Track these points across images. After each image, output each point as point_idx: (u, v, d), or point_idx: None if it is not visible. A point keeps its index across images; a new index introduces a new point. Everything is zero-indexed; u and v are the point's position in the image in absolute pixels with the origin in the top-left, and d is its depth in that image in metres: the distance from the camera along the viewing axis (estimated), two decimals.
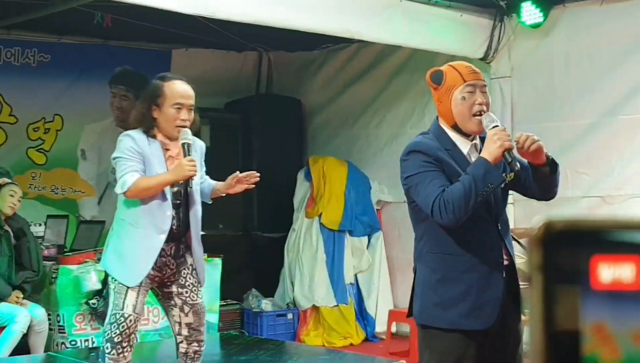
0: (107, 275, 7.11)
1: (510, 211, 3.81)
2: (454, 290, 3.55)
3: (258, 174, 4.69)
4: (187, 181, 4.38)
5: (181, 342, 4.59)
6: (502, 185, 3.56)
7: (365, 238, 9.36)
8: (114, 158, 4.38)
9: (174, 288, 4.54)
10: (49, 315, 6.95)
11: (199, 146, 4.64)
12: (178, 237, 4.49)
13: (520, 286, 3.76)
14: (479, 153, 3.61)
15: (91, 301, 7.04)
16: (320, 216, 9.30)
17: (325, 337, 8.93)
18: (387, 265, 9.37)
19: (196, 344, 4.64)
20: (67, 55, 9.16)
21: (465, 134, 3.67)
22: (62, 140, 9.25)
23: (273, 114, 10.04)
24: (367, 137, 9.69)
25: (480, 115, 3.58)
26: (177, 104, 4.34)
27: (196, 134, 4.59)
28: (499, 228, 3.68)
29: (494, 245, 3.63)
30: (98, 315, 7.04)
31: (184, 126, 4.36)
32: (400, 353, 7.07)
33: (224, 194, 4.84)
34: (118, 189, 4.30)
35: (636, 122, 7.30)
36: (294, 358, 6.11)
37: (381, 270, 9.32)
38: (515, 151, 3.51)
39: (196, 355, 4.64)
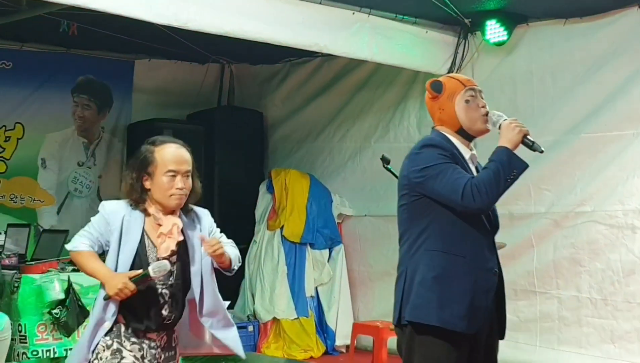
0: (70, 285, 7.13)
1: None
2: (451, 290, 3.57)
3: (213, 246, 3.86)
4: (180, 257, 3.87)
5: None
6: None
7: (327, 251, 9.38)
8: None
9: None
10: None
11: (205, 217, 4.05)
12: (169, 326, 3.94)
13: (505, 306, 3.84)
14: (472, 163, 3.76)
15: (54, 311, 6.93)
16: (281, 228, 9.31)
17: (286, 349, 8.93)
18: (347, 278, 9.39)
19: None
20: (29, 62, 9.07)
21: (466, 141, 3.79)
22: (22, 148, 9.16)
23: (235, 126, 10.04)
24: (330, 150, 9.73)
25: (487, 115, 3.76)
26: (171, 171, 3.80)
27: (198, 202, 4.04)
28: (494, 241, 3.76)
29: (491, 254, 3.71)
30: (61, 325, 6.95)
31: (181, 195, 3.83)
32: None
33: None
34: (68, 245, 3.91)
35: (598, 140, 7.42)
36: None
37: (342, 283, 9.34)
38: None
39: None
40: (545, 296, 7.75)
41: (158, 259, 3.77)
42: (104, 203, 3.93)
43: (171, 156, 3.83)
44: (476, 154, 3.82)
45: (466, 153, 3.75)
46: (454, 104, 3.73)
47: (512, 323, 7.80)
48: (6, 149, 9.06)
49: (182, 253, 3.87)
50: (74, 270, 7.31)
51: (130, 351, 3.76)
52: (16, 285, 7.00)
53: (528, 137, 3.67)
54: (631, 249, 7.21)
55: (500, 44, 8.03)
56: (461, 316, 3.55)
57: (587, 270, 7.48)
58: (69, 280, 7.08)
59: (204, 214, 4.05)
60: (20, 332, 6.90)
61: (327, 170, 9.70)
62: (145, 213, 3.85)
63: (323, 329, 9.22)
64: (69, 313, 6.98)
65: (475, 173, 3.72)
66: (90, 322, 3.90)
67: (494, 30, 7.99)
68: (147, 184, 3.83)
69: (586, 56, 7.56)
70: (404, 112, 8.82)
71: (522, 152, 3.74)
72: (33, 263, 7.30)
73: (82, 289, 7.18)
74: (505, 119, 3.71)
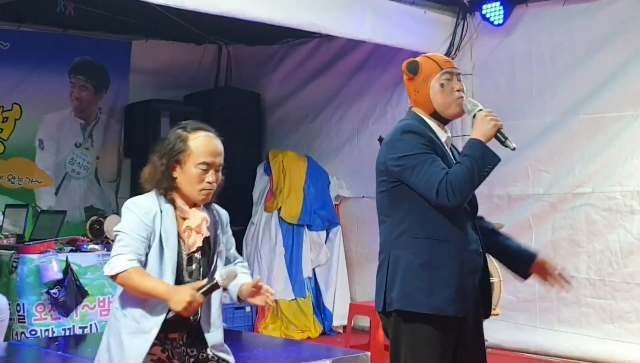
0: (68, 265, 7.15)
1: None
2: (439, 275, 3.54)
3: (273, 293, 3.62)
4: (204, 254, 3.58)
5: None
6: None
7: (324, 233, 9.39)
8: (114, 231, 3.53)
9: None
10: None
11: (225, 218, 3.74)
12: (189, 324, 3.61)
13: (490, 286, 3.85)
14: (450, 146, 3.74)
15: (52, 291, 6.97)
16: (279, 210, 9.31)
17: (283, 330, 8.95)
18: (345, 260, 9.41)
19: None
20: (27, 43, 9.04)
21: (442, 123, 3.75)
22: (20, 129, 9.14)
23: (232, 107, 10.03)
24: (328, 132, 9.72)
25: (462, 99, 3.69)
26: (204, 163, 3.47)
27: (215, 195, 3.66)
28: (475, 222, 3.75)
29: (474, 235, 3.69)
30: (59, 305, 6.99)
31: (210, 190, 3.52)
32: (360, 346, 7.08)
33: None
34: (107, 271, 3.42)
35: (597, 121, 7.43)
36: (258, 348, 6.10)
37: (339, 264, 9.35)
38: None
39: None
40: None
41: (188, 256, 3.53)
42: (135, 202, 3.52)
43: (206, 146, 3.49)
44: (451, 137, 3.80)
45: (442, 136, 3.72)
46: (429, 87, 3.69)
47: (512, 304, 7.88)
48: (4, 130, 9.04)
49: (206, 249, 3.59)
50: (72, 250, 7.34)
51: (154, 354, 3.54)
52: (14, 265, 7.03)
53: (502, 131, 3.60)
54: (629, 230, 7.23)
55: (499, 24, 8.02)
56: (450, 300, 3.53)
57: (586, 251, 7.50)
58: (67, 260, 7.11)
59: (225, 214, 3.74)
60: (18, 311, 6.95)
61: (325, 152, 9.69)
62: (173, 204, 3.54)
63: (320, 310, 9.24)
64: (68, 293, 7.02)
65: (451, 156, 3.71)
66: (112, 335, 3.52)
67: (493, 11, 7.99)
68: (175, 174, 3.51)
69: (585, 37, 7.55)
70: (402, 94, 8.78)
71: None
72: (31, 243, 7.33)
73: (80, 269, 7.22)
74: (481, 110, 3.62)
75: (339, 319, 9.08)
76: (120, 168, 9.95)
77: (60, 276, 7.01)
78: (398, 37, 8.04)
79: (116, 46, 9.82)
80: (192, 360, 3.60)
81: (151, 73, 10.07)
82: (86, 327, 7.22)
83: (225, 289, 3.58)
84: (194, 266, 3.56)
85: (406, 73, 3.76)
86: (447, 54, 8.29)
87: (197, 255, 3.55)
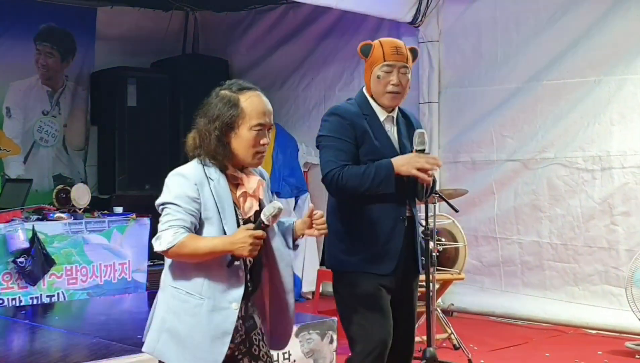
0: (34, 234, 7.14)
1: (436, 173, 4.03)
2: (360, 240, 3.89)
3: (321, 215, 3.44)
4: (262, 221, 3.19)
5: None
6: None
7: (293, 200, 9.41)
8: (160, 204, 3.23)
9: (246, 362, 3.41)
10: None
11: (267, 177, 3.53)
12: (248, 295, 3.33)
13: (420, 240, 4.08)
14: (394, 124, 4.02)
15: (19, 260, 6.96)
16: None
17: None
18: None
19: None
20: None
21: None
22: None
23: (200, 74, 9.98)
24: (295, 99, 9.73)
25: (396, 94, 3.94)
26: (259, 125, 3.23)
27: None
28: (406, 185, 3.91)
29: (400, 200, 3.93)
30: (26, 274, 6.98)
31: (264, 153, 3.30)
32: (328, 312, 7.14)
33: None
34: (157, 246, 3.17)
35: (559, 87, 7.50)
36: None
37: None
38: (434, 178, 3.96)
39: None
40: (507, 241, 7.89)
41: (245, 221, 3.26)
42: (180, 173, 3.24)
43: (260, 106, 3.26)
44: (394, 116, 4.02)
45: (382, 115, 3.99)
46: (371, 73, 3.96)
47: (476, 268, 7.98)
48: None
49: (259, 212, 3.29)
50: (38, 219, 7.33)
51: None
52: None
53: (426, 185, 3.87)
54: (591, 195, 7.32)
55: None
56: (369, 260, 3.87)
57: (548, 216, 7.59)
58: (33, 229, 7.10)
59: (265, 173, 3.52)
60: None
61: (292, 119, 9.72)
62: (226, 172, 3.28)
63: None
64: (34, 262, 7.00)
65: (394, 134, 4.00)
66: (174, 317, 3.21)
67: None
68: (229, 139, 3.23)
69: (549, 3, 7.60)
70: None
71: None
72: None
73: (47, 238, 7.21)
74: (422, 150, 3.84)
75: (308, 285, 9.15)
76: (88, 135, 9.91)
77: (26, 245, 7.00)
78: (365, 4, 8.03)
79: (81, 12, 9.74)
80: (240, 338, 3.34)
81: (117, 40, 10.01)
82: (53, 296, 7.21)
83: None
84: None
85: (360, 55, 4.03)
86: (414, 21, 8.32)
87: (252, 218, 3.29)
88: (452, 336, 6.60)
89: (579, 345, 6.92)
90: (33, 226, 7.13)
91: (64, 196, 7.85)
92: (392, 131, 3.99)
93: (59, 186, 8.07)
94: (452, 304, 8.02)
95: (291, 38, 9.83)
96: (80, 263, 7.42)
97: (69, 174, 9.73)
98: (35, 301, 7.07)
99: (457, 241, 6.90)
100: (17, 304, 6.98)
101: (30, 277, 7.03)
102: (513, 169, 7.82)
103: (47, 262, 7.14)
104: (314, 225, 3.42)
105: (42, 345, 5.28)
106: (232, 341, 3.21)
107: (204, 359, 3.16)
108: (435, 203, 5.74)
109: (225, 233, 3.18)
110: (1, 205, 7.60)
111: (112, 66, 9.62)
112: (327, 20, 9.39)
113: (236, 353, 3.33)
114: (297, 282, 9.25)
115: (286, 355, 5.32)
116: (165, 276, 3.29)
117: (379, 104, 3.98)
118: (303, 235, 3.48)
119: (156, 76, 9.76)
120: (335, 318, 5.80)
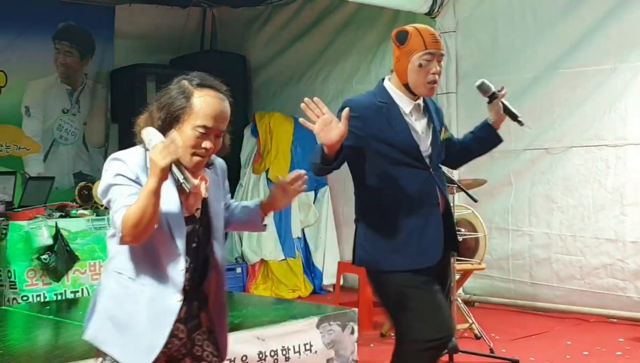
0: (58, 230, 7.21)
1: None
2: (398, 236, 3.76)
3: (304, 172, 3.35)
4: (204, 216, 3.11)
5: None
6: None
7: (312, 193, 9.46)
8: (102, 192, 2.99)
9: None
10: None
11: (220, 168, 3.28)
12: (191, 294, 3.11)
13: (455, 227, 4.07)
14: (423, 112, 3.92)
15: (43, 257, 7.03)
16: (267, 171, 9.38)
17: (274, 289, 9.05)
18: (333, 219, 9.49)
19: None
20: (10, 9, 8.99)
21: (412, 95, 3.88)
22: (5, 96, 9.16)
23: (218, 70, 9.76)
24: (313, 93, 9.61)
25: (434, 83, 3.82)
26: (204, 127, 2.97)
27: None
28: (433, 174, 3.87)
29: (429, 189, 3.84)
30: (50, 271, 7.05)
31: (203, 157, 3.02)
32: (350, 303, 7.19)
33: (275, 211, 3.52)
34: (115, 238, 2.93)
35: (576, 75, 7.48)
36: (248, 308, 6.17)
37: (328, 224, 9.44)
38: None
39: None
40: (517, 233, 7.90)
41: (186, 218, 3.03)
42: (120, 157, 3.03)
43: (211, 108, 2.99)
44: (421, 104, 3.92)
45: (407, 106, 3.86)
46: (409, 61, 3.79)
47: (486, 262, 8.01)
48: None
49: (206, 211, 3.14)
50: (61, 216, 7.40)
51: None
52: (4, 232, 7.08)
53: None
54: (604, 184, 7.31)
55: None
56: (412, 255, 3.75)
57: (560, 207, 7.60)
58: (56, 225, 7.17)
59: (222, 167, 3.30)
60: (9, 278, 7.00)
61: None
62: None
63: (310, 269, 9.34)
64: (58, 259, 7.08)
65: (422, 122, 3.91)
66: (114, 303, 3.04)
67: None
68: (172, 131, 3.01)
69: None
70: (386, 53, 8.82)
71: None
72: (20, 210, 7.37)
73: (70, 234, 7.28)
74: (496, 91, 4.04)
75: (329, 278, 9.19)
76: (108, 133, 9.99)
77: (50, 241, 7.07)
78: None
79: (100, 10, 9.82)
80: (180, 342, 3.16)
81: (136, 38, 10.08)
82: (77, 291, 7.29)
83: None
84: (189, 226, 3.06)
85: (394, 41, 3.85)
86: (430, 12, 8.32)
87: (197, 214, 3.10)
88: (474, 326, 6.62)
89: (601, 333, 6.93)
90: (56, 223, 7.20)
91: (86, 193, 7.93)
92: (419, 120, 3.89)
93: (81, 184, 8.15)
94: (470, 295, 8.06)
95: (308, 32, 9.85)
96: (103, 258, 7.48)
97: (89, 172, 9.81)
98: (59, 297, 7.15)
99: (477, 232, 6.92)
100: (42, 300, 7.05)
101: (54, 273, 7.10)
102: (531, 159, 7.82)
103: (71, 258, 7.21)
104: (295, 185, 3.30)
105: (66, 340, 5.34)
106: (169, 345, 3.04)
107: (144, 346, 2.98)
108: (454, 193, 5.75)
109: (170, 228, 2.97)
110: (24, 203, 7.69)
111: (131, 64, 9.69)
112: (343, 14, 9.41)
113: (175, 354, 3.15)
114: (318, 275, 9.30)
115: (307, 347, 5.34)
116: (109, 262, 3.10)
117: (408, 93, 3.84)
118: (275, 208, 3.39)
119: (175, 73, 9.67)
120: (356, 310, 5.83)
